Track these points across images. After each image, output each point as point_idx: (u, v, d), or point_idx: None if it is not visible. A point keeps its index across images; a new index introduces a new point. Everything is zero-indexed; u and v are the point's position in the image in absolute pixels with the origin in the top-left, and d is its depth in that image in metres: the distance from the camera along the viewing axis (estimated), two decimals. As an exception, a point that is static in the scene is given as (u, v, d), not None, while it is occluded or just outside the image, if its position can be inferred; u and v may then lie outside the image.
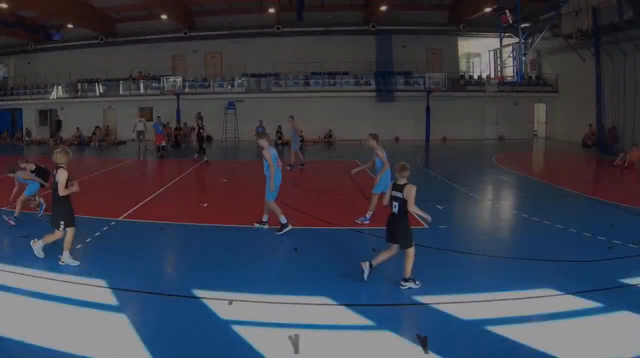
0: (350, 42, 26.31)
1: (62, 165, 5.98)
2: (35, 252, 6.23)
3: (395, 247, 5.37)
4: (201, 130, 16.49)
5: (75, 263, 6.01)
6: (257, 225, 7.88)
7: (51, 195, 6.27)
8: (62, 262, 6.00)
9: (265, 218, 7.88)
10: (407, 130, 25.40)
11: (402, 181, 5.24)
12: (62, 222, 6.00)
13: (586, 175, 15.34)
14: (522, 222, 8.50)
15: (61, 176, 5.91)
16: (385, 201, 5.49)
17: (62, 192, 5.93)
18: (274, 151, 7.48)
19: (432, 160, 18.86)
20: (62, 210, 6.05)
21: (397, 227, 5.25)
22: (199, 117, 24.68)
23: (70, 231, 6.07)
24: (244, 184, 12.30)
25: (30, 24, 26.61)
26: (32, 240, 6.36)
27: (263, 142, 7.52)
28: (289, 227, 7.47)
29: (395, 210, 5.24)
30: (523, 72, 21.82)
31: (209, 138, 26.75)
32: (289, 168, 14.35)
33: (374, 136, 8.12)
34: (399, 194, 5.20)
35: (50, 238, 6.17)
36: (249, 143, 24.49)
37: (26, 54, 28.66)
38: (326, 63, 25.98)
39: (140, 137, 22.75)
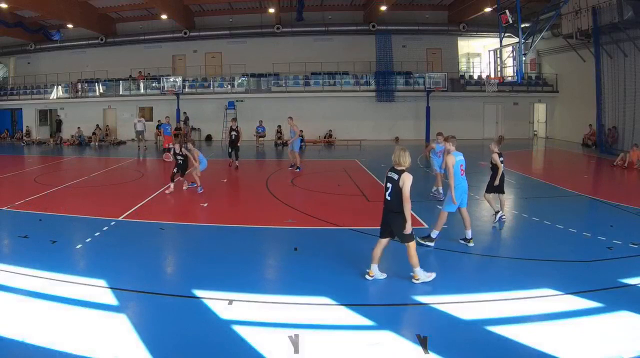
0: (350, 42, 26.30)
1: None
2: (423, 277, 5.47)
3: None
4: (233, 133, 14.96)
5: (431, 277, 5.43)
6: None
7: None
8: (417, 280, 5.39)
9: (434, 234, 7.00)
10: (407, 130, 25.40)
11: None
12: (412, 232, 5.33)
13: (586, 175, 15.35)
14: (522, 222, 8.47)
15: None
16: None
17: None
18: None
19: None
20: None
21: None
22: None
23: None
24: (243, 184, 12.34)
25: (30, 24, 26.46)
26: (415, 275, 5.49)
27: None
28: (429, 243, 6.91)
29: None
30: (523, 72, 21.71)
31: (209, 137, 26.88)
32: (295, 169, 14.67)
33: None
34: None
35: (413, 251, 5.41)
36: (248, 143, 24.60)
37: (26, 54, 28.64)
38: (326, 63, 25.99)
39: (140, 136, 22.87)
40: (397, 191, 5.11)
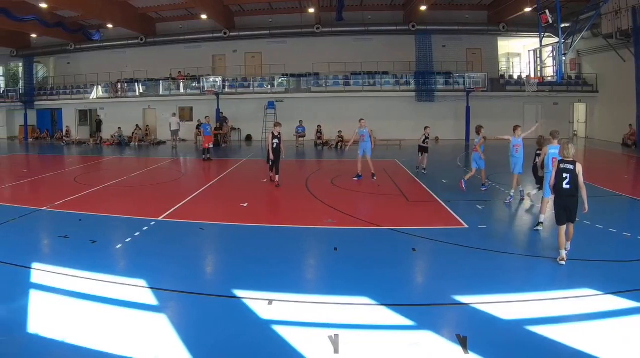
0: (390, 42, 28.34)
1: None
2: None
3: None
4: (275, 141, 12.48)
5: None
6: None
7: None
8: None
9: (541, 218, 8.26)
10: (447, 130, 27.39)
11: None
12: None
13: (626, 175, 15.83)
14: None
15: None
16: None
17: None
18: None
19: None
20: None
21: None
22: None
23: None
24: (283, 184, 12.61)
25: (70, 24, 28.57)
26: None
27: None
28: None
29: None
30: (563, 72, 23.28)
31: (249, 137, 28.94)
32: (372, 178, 13.79)
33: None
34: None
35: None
36: (288, 143, 26.13)
37: (66, 54, 31.02)
38: (366, 63, 28.09)
39: (174, 137, 24.85)
40: (575, 178, 6.29)
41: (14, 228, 8.47)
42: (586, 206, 6.44)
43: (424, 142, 15.01)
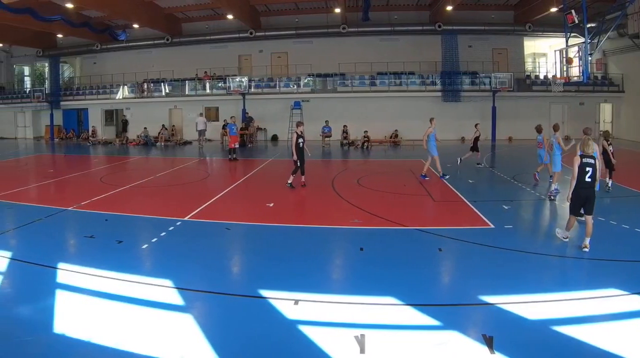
0: (416, 42, 28.97)
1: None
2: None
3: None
4: (300, 140, 12.51)
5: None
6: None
7: None
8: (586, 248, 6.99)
9: None
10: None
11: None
12: None
13: None
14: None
15: None
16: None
17: None
18: None
19: (498, 160, 19.80)
20: None
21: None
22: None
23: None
24: (309, 184, 12.74)
25: (96, 24, 29.27)
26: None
27: None
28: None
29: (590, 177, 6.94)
30: (589, 72, 23.85)
31: (275, 137, 29.59)
32: (442, 177, 13.81)
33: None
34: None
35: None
36: (314, 143, 26.64)
37: (92, 53, 31.79)
38: (392, 63, 28.70)
39: (201, 137, 25.55)
40: (595, 172, 6.91)
41: (40, 229, 8.59)
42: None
43: (476, 138, 15.81)
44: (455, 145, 23.62)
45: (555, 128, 11.40)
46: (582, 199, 6.97)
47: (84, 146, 28.12)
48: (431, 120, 14.06)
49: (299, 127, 12.74)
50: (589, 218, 6.99)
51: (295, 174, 12.62)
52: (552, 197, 10.85)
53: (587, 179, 6.92)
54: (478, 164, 16.07)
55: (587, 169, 6.92)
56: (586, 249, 6.87)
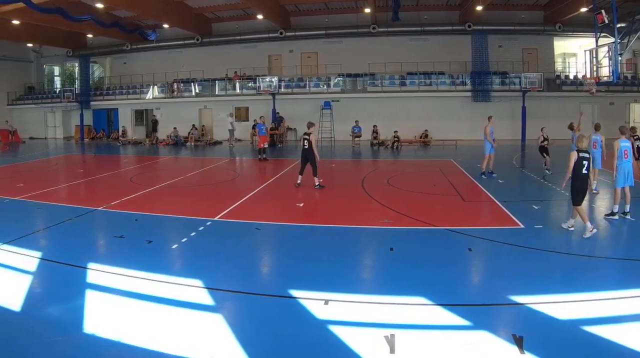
0: (446, 42, 29.59)
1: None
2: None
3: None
4: (306, 142, 12.55)
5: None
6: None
7: None
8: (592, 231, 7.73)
9: (615, 208, 9.18)
10: (502, 130, 28.19)
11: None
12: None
13: None
14: (619, 222, 9.05)
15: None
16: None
17: None
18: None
19: (528, 161, 19.82)
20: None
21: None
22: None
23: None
24: (339, 184, 12.90)
25: (126, 24, 29.89)
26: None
27: None
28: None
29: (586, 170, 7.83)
30: (619, 72, 24.28)
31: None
32: (489, 175, 14.44)
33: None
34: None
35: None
36: (344, 143, 27.52)
37: (122, 54, 32.61)
38: (422, 63, 29.37)
39: (231, 137, 26.25)
40: (589, 166, 7.86)
41: (70, 229, 8.74)
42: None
43: (542, 142, 15.57)
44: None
45: (597, 127, 11.54)
46: (584, 190, 7.89)
47: (114, 146, 28.91)
48: (489, 118, 14.87)
49: (310, 128, 12.75)
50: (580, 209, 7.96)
51: (317, 176, 12.52)
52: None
53: (584, 171, 7.78)
54: (547, 170, 15.37)
55: (584, 162, 7.75)
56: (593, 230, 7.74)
